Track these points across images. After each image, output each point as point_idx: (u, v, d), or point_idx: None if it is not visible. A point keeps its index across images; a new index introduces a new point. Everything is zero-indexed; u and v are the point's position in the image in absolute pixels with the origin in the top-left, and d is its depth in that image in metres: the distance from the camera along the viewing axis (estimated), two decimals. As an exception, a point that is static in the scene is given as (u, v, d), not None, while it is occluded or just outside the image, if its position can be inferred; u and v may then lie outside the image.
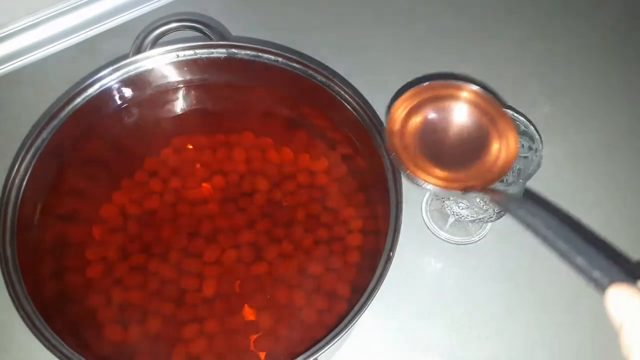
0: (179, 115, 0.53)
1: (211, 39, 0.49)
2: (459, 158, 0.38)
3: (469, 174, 0.37)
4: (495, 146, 0.37)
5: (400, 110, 0.38)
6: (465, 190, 0.36)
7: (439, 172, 0.37)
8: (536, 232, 0.28)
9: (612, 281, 0.23)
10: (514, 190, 0.45)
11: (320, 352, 0.36)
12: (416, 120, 0.38)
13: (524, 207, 0.29)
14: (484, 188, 0.35)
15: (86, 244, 0.46)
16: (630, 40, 0.67)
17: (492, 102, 0.38)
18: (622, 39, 0.67)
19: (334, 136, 0.51)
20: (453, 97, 0.39)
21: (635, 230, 0.54)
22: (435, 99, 0.39)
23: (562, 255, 0.26)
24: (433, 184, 0.36)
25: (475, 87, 0.38)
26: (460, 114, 0.39)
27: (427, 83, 0.39)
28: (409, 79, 0.62)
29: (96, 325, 0.43)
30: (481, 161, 0.37)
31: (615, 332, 0.23)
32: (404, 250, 0.43)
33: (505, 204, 0.31)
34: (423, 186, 0.36)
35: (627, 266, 0.25)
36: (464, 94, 0.38)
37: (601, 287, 0.23)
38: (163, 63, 0.49)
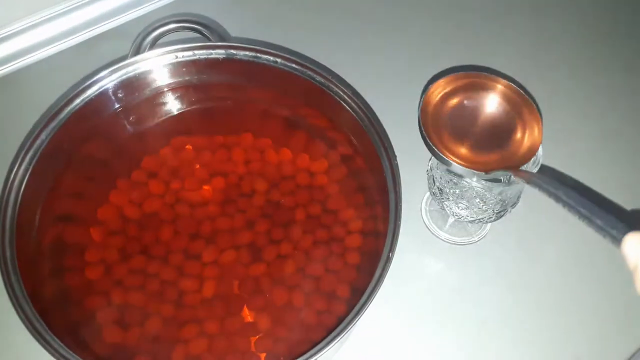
0: (177, 116, 0.53)
1: (210, 40, 0.49)
2: (486, 142, 0.41)
3: (493, 157, 0.40)
4: (519, 134, 0.41)
5: (436, 93, 0.42)
6: (488, 171, 0.39)
7: (465, 152, 0.41)
8: (561, 202, 0.32)
9: (625, 232, 0.27)
10: (513, 190, 0.45)
11: (320, 354, 0.36)
12: (449, 104, 0.42)
13: (548, 182, 0.34)
14: (508, 168, 0.39)
15: (85, 245, 0.46)
16: (631, 40, 0.67)
17: (520, 95, 0.42)
18: (623, 38, 0.68)
19: (333, 137, 0.51)
20: (485, 87, 0.43)
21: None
22: (469, 87, 0.43)
23: (584, 218, 0.30)
24: (458, 164, 0.40)
25: (505, 80, 0.42)
26: (490, 102, 0.42)
27: (464, 72, 0.43)
28: (408, 80, 0.62)
29: (96, 327, 0.43)
30: (506, 146, 0.41)
31: (631, 272, 0.27)
32: (403, 251, 0.42)
33: (530, 180, 0.36)
34: (450, 167, 0.40)
35: (633, 220, 0.31)
36: (496, 84, 0.42)
37: (617, 240, 0.28)
38: (162, 64, 0.49)
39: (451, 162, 0.40)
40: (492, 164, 0.40)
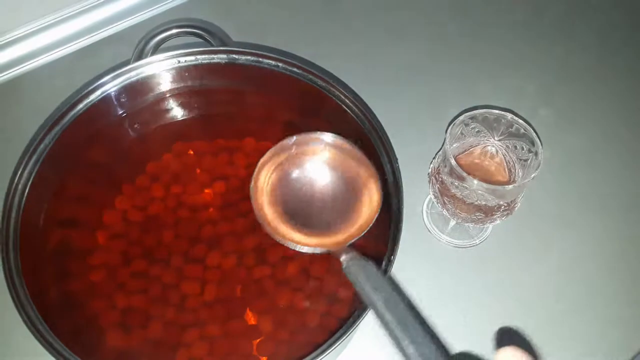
0: (180, 121, 0.54)
1: (212, 45, 0.50)
2: (329, 214, 0.37)
3: (337, 231, 0.36)
4: (361, 200, 0.37)
5: (267, 168, 0.38)
6: (330, 251, 0.35)
7: (305, 232, 0.36)
8: (364, 296, 0.28)
9: None
10: (515, 192, 0.45)
11: (322, 356, 0.36)
12: (280, 178, 0.38)
13: (371, 281, 0.29)
14: (342, 246, 0.35)
15: (88, 249, 0.47)
16: (629, 43, 0.68)
17: (352, 151, 0.38)
18: (621, 41, 0.68)
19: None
20: (315, 153, 0.38)
21: (634, 232, 0.54)
22: (300, 155, 0.38)
23: (393, 338, 0.26)
24: (298, 244, 0.35)
25: (332, 138, 0.37)
26: (323, 171, 0.38)
27: (293, 138, 0.38)
28: (410, 83, 0.62)
29: (99, 330, 0.43)
30: (348, 217, 0.37)
31: None
32: (405, 253, 0.43)
33: (346, 268, 0.32)
34: (288, 245, 0.35)
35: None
36: (324, 148, 0.38)
37: None
38: (164, 69, 0.49)
39: (290, 243, 0.35)
40: (336, 237, 0.36)
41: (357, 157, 0.38)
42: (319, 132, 0.38)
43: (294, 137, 0.38)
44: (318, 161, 0.38)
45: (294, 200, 0.37)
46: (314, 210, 0.38)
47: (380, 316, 0.27)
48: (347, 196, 0.37)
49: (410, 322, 0.26)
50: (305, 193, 0.38)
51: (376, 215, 0.36)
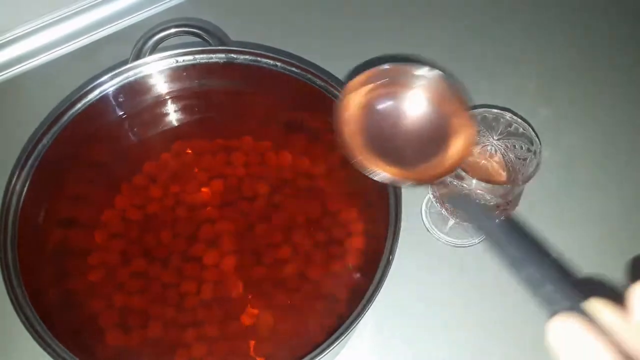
0: (178, 120, 0.54)
1: (210, 44, 0.49)
2: (413, 148, 0.36)
3: (421, 165, 0.34)
4: (450, 139, 0.35)
5: (354, 95, 0.35)
6: (417, 183, 0.34)
7: (390, 161, 0.34)
8: (481, 231, 0.27)
9: (555, 310, 0.21)
10: (514, 191, 0.45)
11: (320, 357, 0.36)
12: (369, 106, 0.36)
13: (474, 207, 0.28)
14: (434, 181, 0.34)
15: (87, 249, 0.47)
16: (630, 42, 0.68)
17: (453, 90, 0.35)
18: (622, 40, 0.68)
19: (333, 140, 0.51)
20: (410, 84, 0.35)
21: (634, 232, 0.54)
22: (393, 85, 0.36)
23: (508, 264, 0.25)
24: (384, 173, 0.33)
25: (434, 73, 0.35)
26: (416, 103, 0.36)
27: (386, 66, 0.35)
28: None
29: (97, 330, 0.43)
30: (435, 154, 0.35)
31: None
32: (403, 253, 0.43)
33: (453, 201, 0.30)
34: (373, 176, 0.34)
35: (577, 288, 0.22)
36: (422, 81, 0.35)
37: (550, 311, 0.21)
38: (162, 68, 0.49)
39: (376, 172, 0.34)
40: (421, 171, 0.34)
41: (452, 93, 0.35)
42: (414, 64, 0.35)
43: (386, 65, 0.35)
44: (410, 93, 0.36)
45: (380, 132, 0.35)
46: (399, 143, 0.36)
47: (496, 240, 0.27)
48: (435, 133, 0.35)
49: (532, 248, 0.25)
50: (392, 125, 0.36)
51: (469, 154, 0.35)
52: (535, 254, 0.24)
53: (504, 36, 0.67)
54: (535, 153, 0.44)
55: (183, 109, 0.53)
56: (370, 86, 0.35)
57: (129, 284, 0.46)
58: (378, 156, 0.34)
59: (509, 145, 0.47)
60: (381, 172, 0.34)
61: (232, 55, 0.49)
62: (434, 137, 0.35)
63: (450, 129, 0.35)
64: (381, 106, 0.36)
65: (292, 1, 0.70)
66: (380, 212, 0.44)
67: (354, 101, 0.35)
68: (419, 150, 0.35)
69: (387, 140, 0.35)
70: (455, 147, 0.34)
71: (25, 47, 0.62)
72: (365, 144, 0.35)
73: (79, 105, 0.46)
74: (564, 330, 0.20)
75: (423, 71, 0.35)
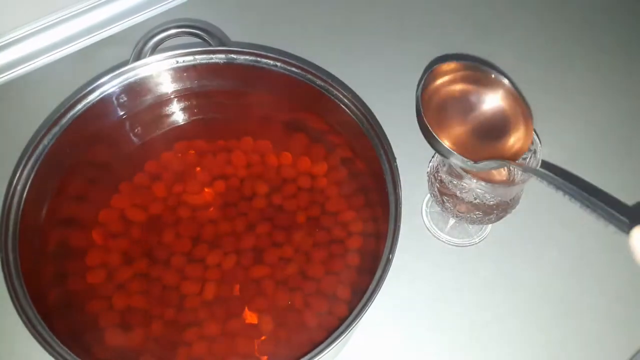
0: (178, 121, 0.54)
1: (210, 45, 0.50)
2: (478, 134, 0.42)
3: (485, 149, 0.41)
4: (511, 136, 0.42)
5: (439, 77, 0.43)
6: (478, 160, 0.40)
7: (456, 139, 0.41)
8: (561, 189, 0.35)
9: (632, 225, 0.29)
10: (513, 191, 0.45)
11: (321, 355, 0.36)
12: (449, 90, 0.43)
13: (545, 172, 0.36)
14: (500, 159, 0.40)
15: (88, 249, 0.47)
16: (631, 41, 0.68)
17: (518, 98, 0.43)
18: (622, 40, 0.68)
19: (333, 139, 0.51)
20: (487, 83, 0.43)
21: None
22: (471, 79, 0.43)
23: (586, 204, 0.33)
24: (449, 147, 0.40)
25: (507, 81, 0.43)
26: (489, 98, 0.43)
27: (470, 63, 0.43)
28: (408, 84, 0.62)
29: (98, 330, 0.43)
30: (497, 143, 0.42)
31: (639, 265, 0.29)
32: (404, 252, 0.43)
33: (527, 169, 0.38)
34: (439, 149, 0.41)
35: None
36: (498, 83, 0.43)
37: (624, 231, 0.30)
38: (163, 69, 0.49)
39: (442, 143, 0.40)
40: (482, 154, 0.41)
41: (516, 97, 0.43)
42: (485, 67, 0.43)
43: (463, 62, 0.43)
44: (483, 89, 0.43)
45: (455, 120, 0.43)
46: (469, 131, 0.43)
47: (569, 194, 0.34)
48: (498, 129, 0.42)
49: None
50: (465, 114, 0.43)
51: (527, 150, 0.42)
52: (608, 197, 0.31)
53: (504, 36, 0.67)
54: (534, 152, 0.44)
55: (183, 110, 0.53)
56: (452, 76, 0.43)
57: (131, 284, 0.46)
58: (451, 132, 0.42)
59: (508, 145, 0.47)
60: (448, 149, 0.40)
61: (232, 55, 0.49)
62: (499, 129, 0.42)
63: (512, 127, 0.42)
64: (460, 95, 0.43)
65: (292, 1, 0.70)
66: (381, 211, 0.44)
67: (439, 83, 0.43)
68: (486, 135, 0.42)
69: (458, 123, 0.42)
70: (513, 144, 0.42)
71: (26, 49, 0.63)
72: (441, 121, 0.42)
73: (79, 106, 0.46)
74: None
75: (500, 77, 0.43)
